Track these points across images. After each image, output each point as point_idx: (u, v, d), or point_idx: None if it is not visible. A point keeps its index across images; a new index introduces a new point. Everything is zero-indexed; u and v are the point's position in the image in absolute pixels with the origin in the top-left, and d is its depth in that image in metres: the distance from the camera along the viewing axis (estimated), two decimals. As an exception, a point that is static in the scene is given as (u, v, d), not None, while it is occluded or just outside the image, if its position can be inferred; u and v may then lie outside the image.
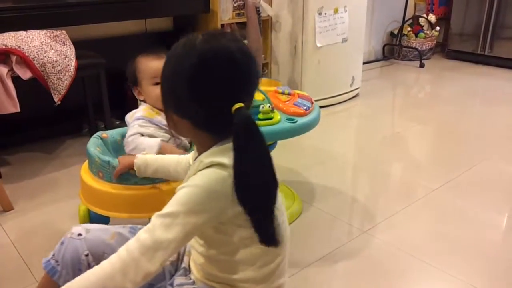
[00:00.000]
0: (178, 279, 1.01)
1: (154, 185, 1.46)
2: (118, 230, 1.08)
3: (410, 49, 4.70)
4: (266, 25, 3.39)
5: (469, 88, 3.98)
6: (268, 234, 0.87)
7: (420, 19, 4.81)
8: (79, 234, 1.04)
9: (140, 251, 0.81)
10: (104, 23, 2.76)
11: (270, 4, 3.33)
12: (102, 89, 2.50)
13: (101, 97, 2.52)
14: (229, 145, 0.84)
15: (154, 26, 3.16)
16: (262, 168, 0.85)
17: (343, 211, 2.04)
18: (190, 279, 1.00)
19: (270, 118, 1.69)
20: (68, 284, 0.85)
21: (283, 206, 1.00)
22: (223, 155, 0.85)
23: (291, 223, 1.92)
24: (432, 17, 4.80)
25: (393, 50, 4.86)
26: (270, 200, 0.86)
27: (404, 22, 4.62)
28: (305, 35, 3.19)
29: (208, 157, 0.87)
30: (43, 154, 2.59)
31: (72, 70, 2.29)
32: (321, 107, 2.11)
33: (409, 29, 4.76)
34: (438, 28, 4.79)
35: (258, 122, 1.66)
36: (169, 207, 0.83)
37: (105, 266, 0.84)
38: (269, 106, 1.70)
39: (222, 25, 3.14)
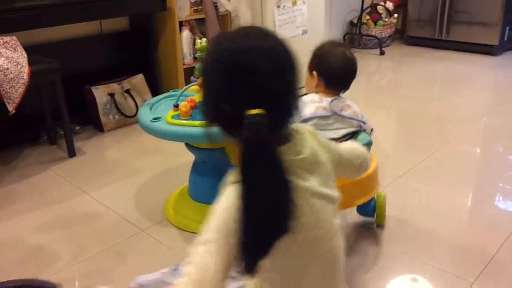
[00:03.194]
0: None
1: None
2: (165, 279, 1.08)
3: (370, 37, 4.75)
4: (225, 20, 3.35)
5: (429, 73, 4.06)
6: (250, 264, 0.79)
7: (378, 7, 4.86)
8: None
9: (193, 285, 0.75)
10: (57, 26, 2.66)
11: (228, -1, 3.29)
12: (59, 95, 2.41)
13: (58, 103, 2.43)
14: None
15: (110, 26, 3.08)
16: (258, 193, 0.76)
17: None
18: None
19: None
20: None
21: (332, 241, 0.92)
22: None
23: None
24: (390, 5, 4.87)
25: (354, 39, 4.89)
26: (270, 236, 0.78)
27: (362, 10, 4.67)
28: (265, 28, 3.17)
29: (235, 173, 0.81)
30: (0, 165, 2.49)
31: (25, 77, 2.20)
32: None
33: (368, 17, 4.81)
34: (396, 15, 4.86)
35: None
36: (203, 234, 0.78)
37: None
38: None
39: (180, 22, 3.09)
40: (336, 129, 1.55)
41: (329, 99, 1.53)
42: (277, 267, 0.85)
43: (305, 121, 1.51)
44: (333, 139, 1.33)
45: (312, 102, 1.52)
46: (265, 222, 0.76)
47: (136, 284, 1.08)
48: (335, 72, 1.55)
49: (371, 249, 1.72)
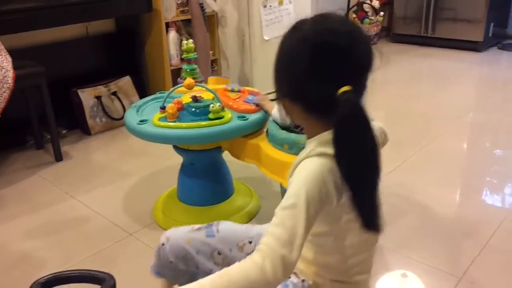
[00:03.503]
0: (292, 280, 1.00)
1: None
2: (193, 236, 1.12)
3: (357, 36, 4.76)
4: (212, 21, 3.34)
5: (416, 70, 4.09)
6: (370, 219, 0.89)
7: (364, 5, 4.88)
8: (163, 244, 1.12)
9: (281, 244, 0.81)
10: (42, 29, 2.63)
11: (214, -1, 3.29)
12: (45, 99, 2.39)
13: (45, 107, 2.41)
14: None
15: (96, 29, 3.05)
16: (362, 160, 0.85)
17: (302, 203, 2.04)
18: (299, 277, 1.00)
19: (221, 117, 1.66)
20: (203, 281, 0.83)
21: None
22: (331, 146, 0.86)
23: (251, 219, 1.91)
24: (376, 3, 4.88)
25: (340, 37, 4.91)
26: (370, 188, 0.88)
27: (349, 9, 4.68)
28: (251, 28, 3.17)
29: (319, 145, 0.87)
30: (-13, 171, 2.46)
31: (10, 81, 2.17)
32: (273, 100, 2.09)
33: (354, 16, 4.82)
34: (382, 13, 4.88)
35: (209, 122, 1.65)
36: (288, 199, 0.84)
37: (244, 266, 0.82)
38: (219, 105, 1.67)
39: (167, 24, 3.08)
40: None
41: None
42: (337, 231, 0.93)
43: None
44: None
45: None
46: (365, 188, 0.87)
47: (165, 236, 1.13)
48: None
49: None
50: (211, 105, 1.66)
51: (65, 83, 2.84)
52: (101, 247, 1.78)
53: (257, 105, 1.78)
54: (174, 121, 1.66)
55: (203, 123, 1.64)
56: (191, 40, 2.02)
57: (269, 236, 0.83)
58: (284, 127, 1.64)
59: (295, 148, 1.56)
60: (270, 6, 3.16)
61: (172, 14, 3.09)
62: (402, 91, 3.53)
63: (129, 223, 1.93)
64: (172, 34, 3.10)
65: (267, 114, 1.80)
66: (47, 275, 0.99)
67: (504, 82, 3.71)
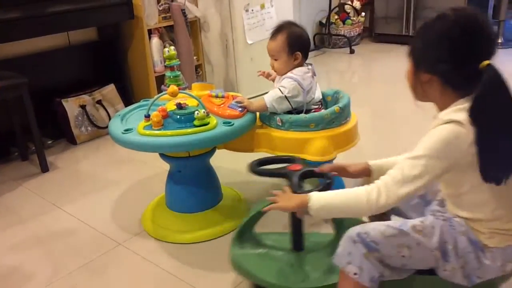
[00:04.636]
0: (434, 206, 1.21)
1: None
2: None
3: (339, 37, 4.80)
4: (194, 26, 3.34)
5: (398, 69, 4.09)
6: (494, 173, 1.03)
7: (346, 6, 4.92)
8: None
9: (393, 182, 1.05)
10: (23, 40, 2.62)
11: (196, 5, 3.29)
12: (28, 110, 2.37)
13: (28, 118, 2.39)
14: (466, 105, 1.02)
15: (78, 38, 3.04)
16: (506, 117, 1.02)
17: (290, 206, 2.05)
18: (445, 212, 1.16)
19: (206, 124, 1.67)
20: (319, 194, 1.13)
21: None
22: (461, 113, 1.03)
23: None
24: (357, 4, 4.93)
25: (323, 39, 4.94)
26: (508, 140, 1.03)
27: (330, 10, 4.72)
28: (234, 33, 3.18)
29: (447, 114, 1.06)
30: (-29, 185, 2.43)
31: (-8, 93, 2.16)
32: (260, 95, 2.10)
33: (336, 17, 4.86)
34: (363, 13, 4.93)
35: (194, 129, 1.65)
36: (414, 152, 1.06)
37: (357, 190, 1.08)
38: (204, 112, 1.68)
39: (149, 30, 3.07)
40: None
41: (309, 67, 1.88)
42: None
43: (309, 90, 1.82)
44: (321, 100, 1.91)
45: (306, 73, 1.82)
46: (504, 140, 1.03)
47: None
48: (309, 45, 1.93)
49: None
50: (196, 112, 1.66)
51: (49, 93, 2.82)
52: (90, 258, 1.77)
53: (244, 108, 1.79)
54: (159, 129, 1.66)
55: (189, 130, 1.64)
56: (172, 47, 2.02)
57: (387, 175, 1.06)
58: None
59: (322, 124, 1.77)
60: (252, 10, 3.18)
61: (154, 20, 3.08)
62: (386, 89, 3.56)
63: (118, 233, 1.92)
64: (155, 41, 3.10)
65: (254, 116, 1.81)
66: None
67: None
